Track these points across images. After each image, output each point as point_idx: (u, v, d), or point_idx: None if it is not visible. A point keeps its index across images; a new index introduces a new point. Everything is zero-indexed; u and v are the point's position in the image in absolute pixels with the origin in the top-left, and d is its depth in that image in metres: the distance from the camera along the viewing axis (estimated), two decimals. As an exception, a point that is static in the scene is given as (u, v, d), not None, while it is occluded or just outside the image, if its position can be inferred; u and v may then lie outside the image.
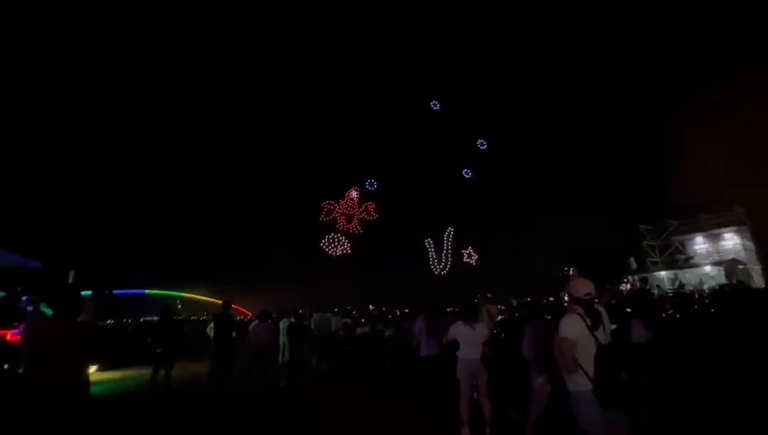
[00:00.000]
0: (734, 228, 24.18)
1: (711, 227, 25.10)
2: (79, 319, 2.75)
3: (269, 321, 8.27)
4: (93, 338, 2.71)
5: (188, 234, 21.16)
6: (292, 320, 8.85)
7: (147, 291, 21.98)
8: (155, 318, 10.52)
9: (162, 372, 6.47)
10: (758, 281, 20.74)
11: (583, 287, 3.09)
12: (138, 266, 20.21)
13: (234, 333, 7.13)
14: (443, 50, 24.38)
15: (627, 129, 22.95)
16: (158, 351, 6.49)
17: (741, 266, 22.22)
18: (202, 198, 22.37)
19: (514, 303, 9.47)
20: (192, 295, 23.28)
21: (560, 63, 23.90)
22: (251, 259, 21.58)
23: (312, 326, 9.12)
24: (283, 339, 8.53)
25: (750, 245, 23.72)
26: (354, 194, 24.22)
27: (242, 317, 20.15)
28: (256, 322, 7.94)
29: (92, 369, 8.50)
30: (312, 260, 21.64)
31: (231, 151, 22.53)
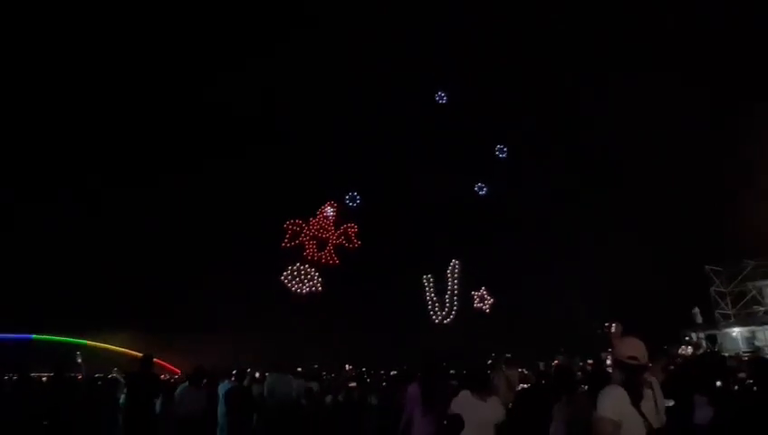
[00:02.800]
0: (829, 273, 24.91)
1: (799, 270, 25.78)
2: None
3: (203, 383, 8.12)
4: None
5: (107, 263, 20.79)
6: (236, 383, 8.69)
7: (35, 336, 21.30)
8: (43, 376, 10.23)
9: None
10: None
11: (629, 348, 3.13)
12: (32, 301, 19.63)
13: (156, 401, 6.97)
14: (453, 37, 25.16)
15: (689, 142, 23.74)
16: (44, 423, 6.31)
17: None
18: (123, 211, 22.10)
19: (542, 366, 9.50)
20: (102, 344, 22.65)
21: (604, 64, 24.79)
22: (189, 296, 21.18)
23: (265, 392, 8.97)
24: (222, 409, 8.33)
25: None
26: (330, 211, 24.31)
27: (169, 377, 19.66)
28: (185, 384, 7.82)
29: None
30: (269, 300, 21.35)
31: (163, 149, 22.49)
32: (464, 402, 4.67)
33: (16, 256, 20.06)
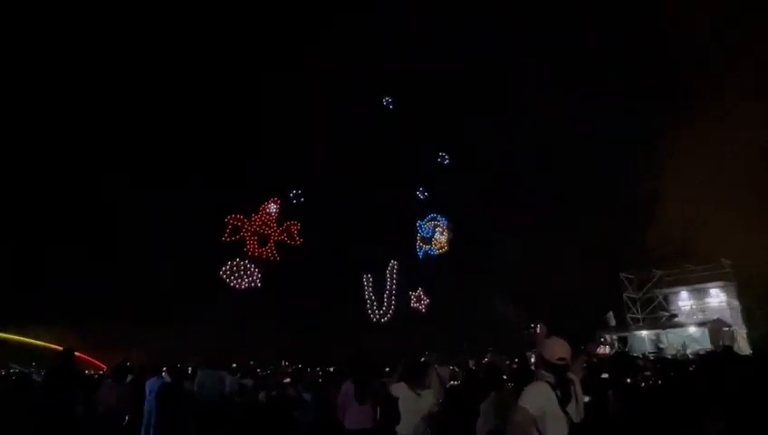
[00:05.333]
0: (721, 284, 27.17)
1: (697, 280, 27.97)
2: None
3: (129, 379, 7.68)
4: None
5: (36, 251, 19.14)
6: (166, 378, 8.24)
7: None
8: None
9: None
10: (743, 345, 23.31)
11: (558, 350, 3.19)
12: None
13: (78, 398, 6.45)
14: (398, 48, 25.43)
15: (607, 161, 25.34)
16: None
17: (726, 329, 24.90)
18: (54, 196, 20.43)
19: (472, 365, 9.69)
20: (24, 339, 20.83)
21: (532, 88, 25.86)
22: (122, 290, 19.86)
23: (196, 388, 8.57)
24: (148, 406, 7.85)
25: (736, 303, 26.69)
26: (273, 208, 23.73)
27: (93, 373, 18.47)
28: (110, 380, 7.36)
29: None
30: (206, 294, 20.51)
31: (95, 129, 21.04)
32: (401, 391, 4.74)
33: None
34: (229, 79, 22.91)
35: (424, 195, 27.71)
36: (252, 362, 15.79)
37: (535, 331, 3.86)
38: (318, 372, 13.99)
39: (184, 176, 21.95)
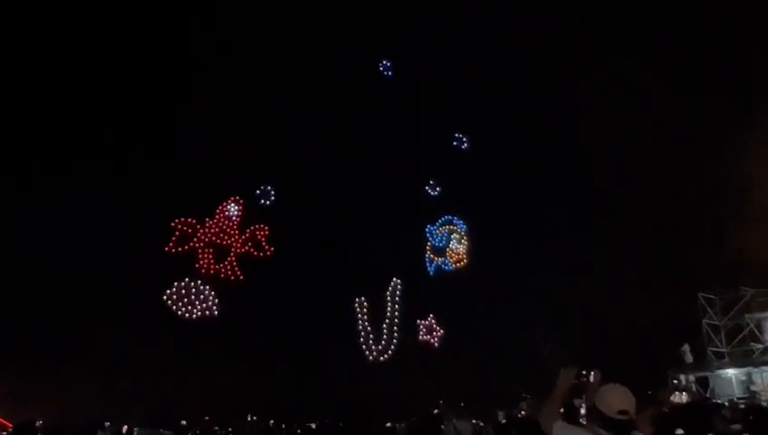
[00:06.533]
0: (832, 304, 27.29)
1: (800, 300, 28.05)
2: None
3: None
4: None
5: None
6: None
7: None
8: None
9: None
10: None
11: (618, 400, 3.22)
12: None
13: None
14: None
15: (678, 144, 25.43)
16: None
17: (840, 366, 25.05)
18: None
19: (501, 418, 9.77)
20: None
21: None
22: (32, 325, 19.85)
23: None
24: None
25: None
26: (233, 209, 23.84)
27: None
28: None
29: None
30: (145, 328, 20.54)
31: None
32: None
33: None
34: (172, 32, 22.92)
35: (435, 190, 27.81)
36: (207, 419, 15.87)
37: (588, 379, 3.88)
38: (296, 430, 14.09)
39: (111, 167, 21.88)
